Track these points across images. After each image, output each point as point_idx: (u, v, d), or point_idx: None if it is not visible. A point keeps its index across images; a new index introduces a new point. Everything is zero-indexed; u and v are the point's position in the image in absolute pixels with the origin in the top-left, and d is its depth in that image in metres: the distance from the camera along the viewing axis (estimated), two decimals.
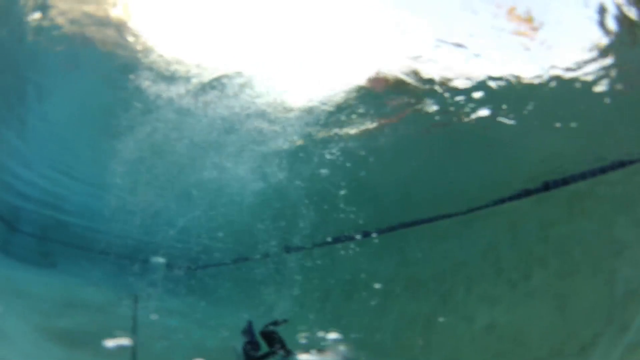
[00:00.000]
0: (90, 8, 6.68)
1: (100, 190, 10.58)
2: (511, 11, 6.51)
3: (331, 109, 8.56)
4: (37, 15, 6.77)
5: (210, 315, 11.11)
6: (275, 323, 6.21)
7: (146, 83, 8.09)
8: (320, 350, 6.39)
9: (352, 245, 11.75)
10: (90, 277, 9.13)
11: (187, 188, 10.26)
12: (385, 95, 8.18)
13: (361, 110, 8.61)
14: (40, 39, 6.97)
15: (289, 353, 6.16)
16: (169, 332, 9.97)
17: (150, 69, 7.86)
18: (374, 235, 11.59)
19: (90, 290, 10.05)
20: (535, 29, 6.70)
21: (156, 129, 9.00)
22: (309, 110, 8.66)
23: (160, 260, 9.90)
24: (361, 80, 7.87)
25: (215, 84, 8.14)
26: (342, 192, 10.00)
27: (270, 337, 6.06)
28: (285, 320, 6.55)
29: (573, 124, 8.01)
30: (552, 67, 7.11)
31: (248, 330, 5.95)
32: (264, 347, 6.61)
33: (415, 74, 7.67)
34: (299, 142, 9.50)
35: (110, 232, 10.21)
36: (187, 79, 8.12)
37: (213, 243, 11.66)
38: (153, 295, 9.83)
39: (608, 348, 6.69)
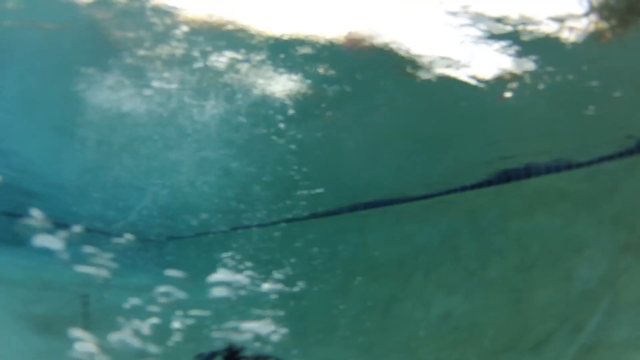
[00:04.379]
0: None
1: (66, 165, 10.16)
2: None
3: None
4: None
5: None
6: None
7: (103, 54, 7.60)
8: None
9: (313, 224, 11.60)
10: (60, 255, 8.76)
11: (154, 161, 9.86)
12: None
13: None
14: None
15: None
16: (133, 311, 9.68)
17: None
18: (334, 215, 11.47)
19: (62, 270, 9.76)
20: None
21: (117, 102, 8.53)
22: None
23: (125, 234, 9.58)
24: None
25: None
26: (301, 170, 9.77)
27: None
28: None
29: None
30: None
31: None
32: None
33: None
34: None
35: (78, 206, 9.87)
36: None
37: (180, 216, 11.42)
38: (113, 271, 9.49)
39: (562, 347, 6.84)
